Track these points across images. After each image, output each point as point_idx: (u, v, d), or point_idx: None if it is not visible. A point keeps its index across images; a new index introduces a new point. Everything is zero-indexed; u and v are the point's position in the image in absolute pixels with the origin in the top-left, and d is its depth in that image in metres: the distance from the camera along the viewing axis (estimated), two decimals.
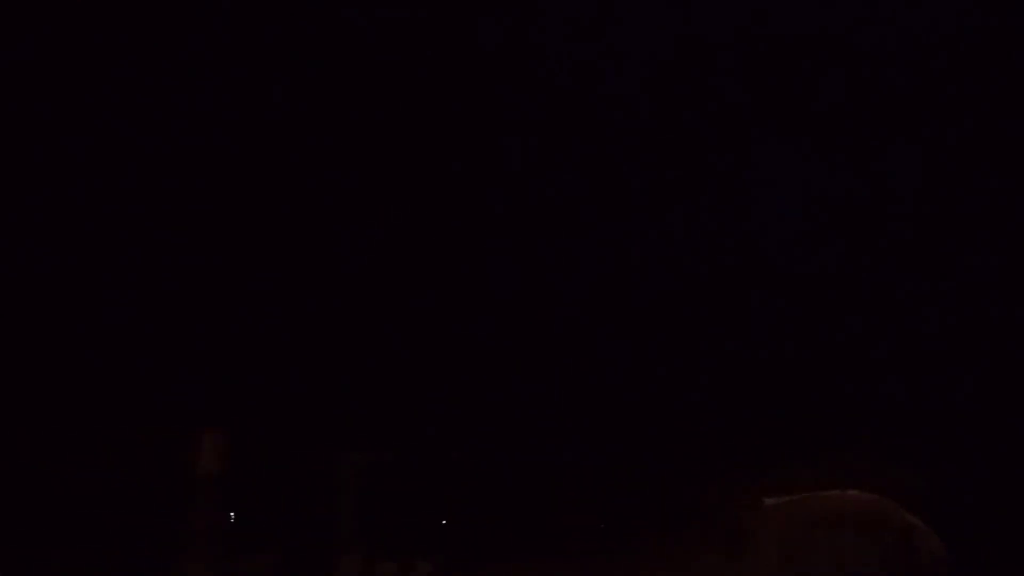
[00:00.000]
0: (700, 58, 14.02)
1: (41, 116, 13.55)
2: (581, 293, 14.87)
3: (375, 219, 14.51)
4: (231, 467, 13.68)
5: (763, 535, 13.82)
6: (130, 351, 13.76)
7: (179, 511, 13.45)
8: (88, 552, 13.08)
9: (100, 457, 13.44)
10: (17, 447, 13.14)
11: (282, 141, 14.14)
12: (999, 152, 13.24)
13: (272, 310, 14.33)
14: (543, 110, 14.34)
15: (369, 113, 14.39)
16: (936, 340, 13.28)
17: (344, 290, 14.49)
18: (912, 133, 13.60)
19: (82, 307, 13.72)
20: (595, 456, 14.73)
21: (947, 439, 12.67)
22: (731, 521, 14.06)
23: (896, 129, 13.64)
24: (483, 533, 14.90)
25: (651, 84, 14.19)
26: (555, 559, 14.26)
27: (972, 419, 12.67)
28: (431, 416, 14.68)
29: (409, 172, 14.60)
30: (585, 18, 14.08)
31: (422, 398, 14.63)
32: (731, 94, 14.06)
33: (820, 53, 13.71)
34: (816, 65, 13.75)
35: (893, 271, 13.76)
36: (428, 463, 14.93)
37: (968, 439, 12.59)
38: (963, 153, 13.38)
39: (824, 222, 14.22)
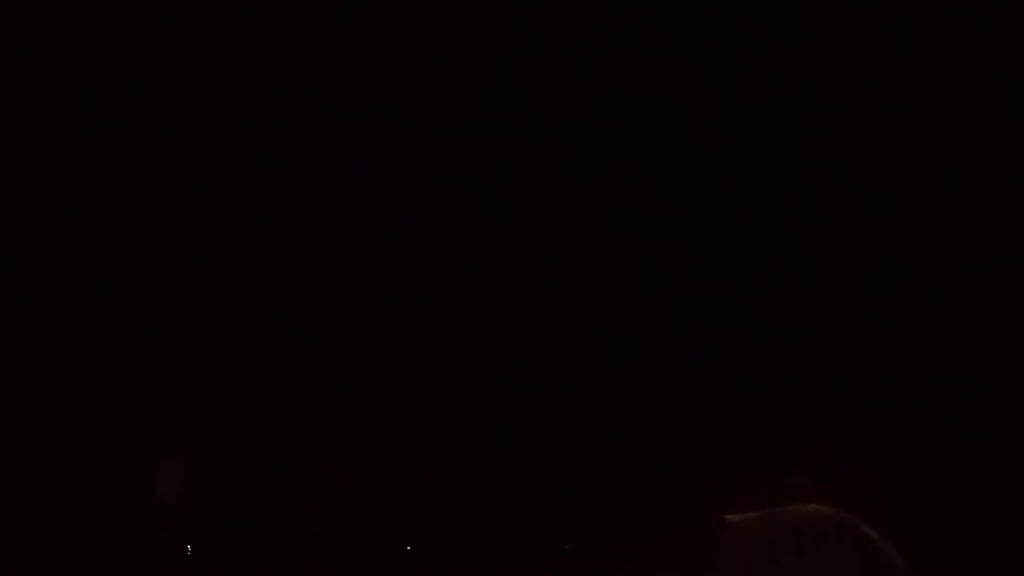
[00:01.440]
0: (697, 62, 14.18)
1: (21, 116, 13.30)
2: (531, 324, 14.74)
3: (343, 239, 14.24)
4: (197, 487, 13.70)
5: (728, 550, 14.54)
6: (94, 372, 13.47)
7: (145, 533, 13.44)
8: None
9: (67, 477, 13.26)
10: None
11: (269, 154, 14.00)
12: (994, 152, 13.33)
13: (238, 330, 14.03)
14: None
15: (314, 119, 14.16)
16: (895, 354, 13.24)
17: (313, 312, 14.22)
18: (909, 133, 13.72)
19: (48, 328, 13.42)
20: (559, 478, 14.73)
21: (905, 452, 12.65)
22: (696, 537, 14.67)
23: (893, 128, 13.78)
24: (449, 551, 14.80)
25: (648, 83, 14.26)
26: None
27: (930, 432, 12.63)
28: (398, 436, 14.54)
29: (374, 190, 14.42)
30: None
31: (388, 419, 14.44)
32: (727, 96, 14.18)
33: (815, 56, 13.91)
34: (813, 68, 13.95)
35: (856, 288, 13.69)
36: (394, 483, 14.88)
37: (925, 452, 12.53)
38: (955, 155, 13.44)
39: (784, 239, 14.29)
